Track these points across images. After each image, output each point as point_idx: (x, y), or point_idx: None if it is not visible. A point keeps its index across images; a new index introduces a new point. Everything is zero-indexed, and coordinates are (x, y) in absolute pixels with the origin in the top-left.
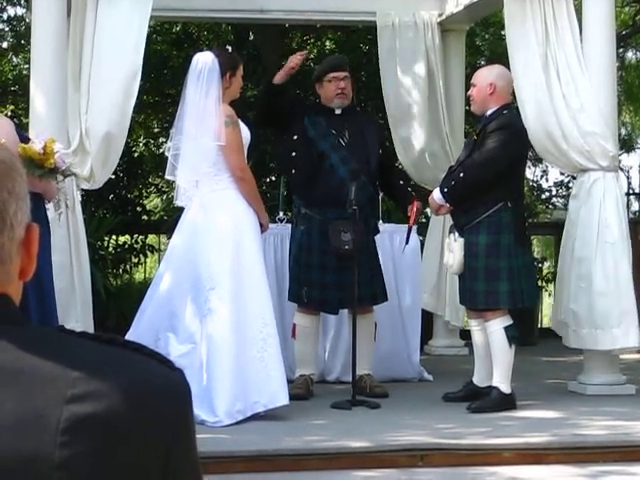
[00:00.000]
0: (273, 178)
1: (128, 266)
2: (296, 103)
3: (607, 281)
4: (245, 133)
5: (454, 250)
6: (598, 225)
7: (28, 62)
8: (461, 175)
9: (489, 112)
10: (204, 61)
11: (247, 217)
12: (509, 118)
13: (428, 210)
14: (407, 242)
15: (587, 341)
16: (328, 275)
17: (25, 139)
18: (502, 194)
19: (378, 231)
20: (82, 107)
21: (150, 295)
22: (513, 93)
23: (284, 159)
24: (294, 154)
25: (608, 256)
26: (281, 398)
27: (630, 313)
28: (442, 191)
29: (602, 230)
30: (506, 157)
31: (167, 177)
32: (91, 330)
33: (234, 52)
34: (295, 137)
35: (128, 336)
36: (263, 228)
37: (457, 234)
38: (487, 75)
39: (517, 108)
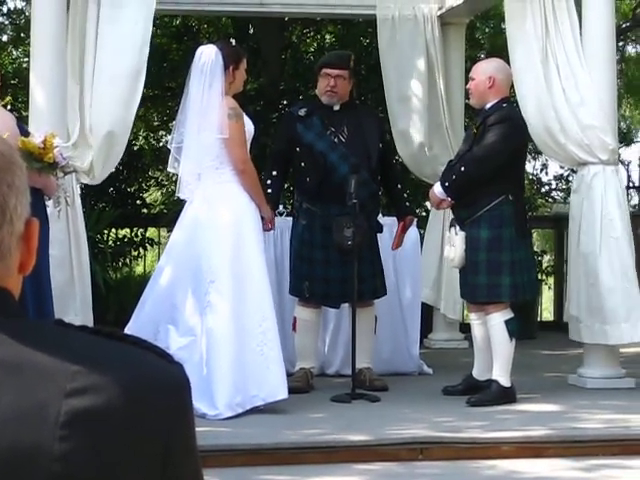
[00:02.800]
0: (274, 173)
1: (128, 259)
2: (288, 147)
3: (614, 276)
4: (249, 126)
5: (455, 244)
6: (601, 219)
7: (28, 55)
8: (462, 169)
9: (488, 105)
10: (208, 54)
11: (248, 210)
12: (508, 111)
13: (428, 204)
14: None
15: (598, 336)
16: (331, 270)
17: (26, 133)
18: (503, 187)
19: (382, 229)
20: (86, 102)
21: (150, 288)
22: (512, 87)
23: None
24: (302, 164)
25: (613, 251)
26: (280, 392)
27: (637, 307)
28: (443, 185)
29: (605, 224)
30: (506, 150)
31: (169, 170)
32: (90, 324)
33: (237, 45)
34: (297, 149)
35: (128, 329)
36: (265, 221)
37: (458, 228)
38: (486, 68)
39: (516, 102)
